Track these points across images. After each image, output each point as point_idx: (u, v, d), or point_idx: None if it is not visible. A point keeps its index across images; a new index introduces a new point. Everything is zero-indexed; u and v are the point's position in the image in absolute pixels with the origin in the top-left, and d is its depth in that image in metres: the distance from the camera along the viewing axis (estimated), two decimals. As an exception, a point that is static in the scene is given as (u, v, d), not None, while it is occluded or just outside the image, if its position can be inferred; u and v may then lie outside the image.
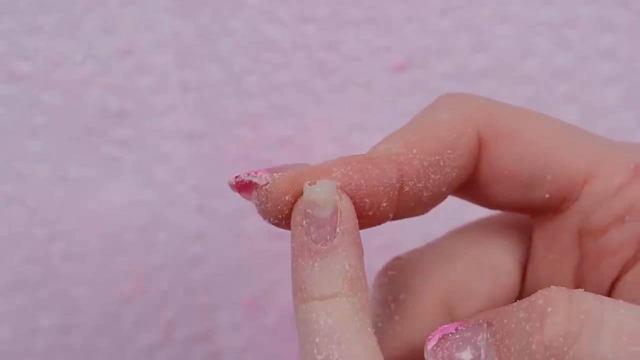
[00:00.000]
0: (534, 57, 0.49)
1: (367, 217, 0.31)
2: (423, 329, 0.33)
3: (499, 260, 0.34)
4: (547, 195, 0.33)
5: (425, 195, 0.32)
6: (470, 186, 0.33)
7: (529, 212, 0.34)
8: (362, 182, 0.30)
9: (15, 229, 0.49)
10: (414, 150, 0.31)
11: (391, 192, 0.31)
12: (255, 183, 0.31)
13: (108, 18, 0.47)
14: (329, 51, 0.49)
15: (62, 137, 0.48)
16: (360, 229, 0.31)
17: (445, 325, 0.30)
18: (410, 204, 0.32)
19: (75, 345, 0.50)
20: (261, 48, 0.48)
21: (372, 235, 0.49)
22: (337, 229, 0.29)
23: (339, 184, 0.30)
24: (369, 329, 0.29)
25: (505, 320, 0.29)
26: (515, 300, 0.34)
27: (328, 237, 0.29)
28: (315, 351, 0.29)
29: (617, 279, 0.33)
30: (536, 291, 0.30)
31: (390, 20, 0.48)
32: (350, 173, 0.30)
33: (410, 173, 0.31)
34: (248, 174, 0.31)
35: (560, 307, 0.28)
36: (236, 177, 0.32)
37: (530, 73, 0.50)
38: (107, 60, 0.48)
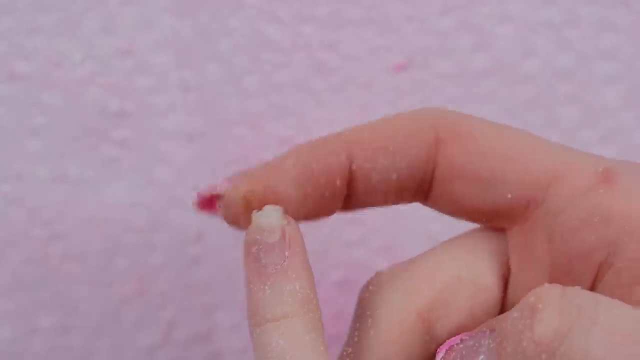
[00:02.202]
0: (534, 57, 0.49)
1: (325, 200, 0.32)
2: (397, 345, 0.33)
3: (480, 275, 0.34)
4: (509, 196, 0.32)
5: (374, 177, 0.33)
6: (431, 186, 0.33)
7: (495, 216, 0.33)
8: (313, 162, 0.32)
9: (15, 230, 0.49)
10: (365, 134, 0.33)
11: (342, 170, 0.32)
12: (216, 195, 0.32)
13: (108, 18, 0.47)
14: (329, 51, 0.49)
15: (62, 137, 0.48)
16: (322, 216, 0.32)
17: (452, 338, 0.30)
18: (361, 185, 0.33)
19: (75, 345, 0.50)
20: (261, 48, 0.48)
21: (372, 236, 0.49)
22: (286, 252, 0.30)
23: (285, 210, 0.31)
24: (322, 348, 0.30)
25: (504, 323, 0.29)
26: (498, 315, 0.34)
27: (277, 260, 0.30)
28: None
29: (592, 286, 0.32)
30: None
31: (390, 20, 0.48)
32: (301, 157, 0.32)
33: (358, 152, 0.32)
34: (208, 188, 0.33)
35: (551, 303, 0.28)
36: (197, 195, 0.33)
37: (531, 73, 0.49)
38: (107, 60, 0.48)
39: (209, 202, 0.33)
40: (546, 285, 0.28)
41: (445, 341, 0.33)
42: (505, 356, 0.28)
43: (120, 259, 0.50)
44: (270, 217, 0.31)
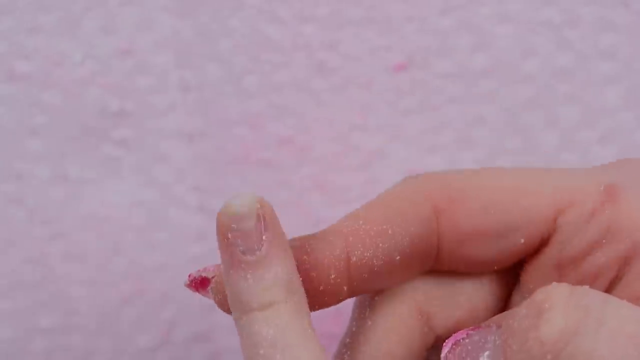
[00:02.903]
0: (534, 57, 0.49)
1: (320, 293, 0.31)
2: (394, 336, 0.33)
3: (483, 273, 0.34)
4: (522, 240, 0.32)
5: (376, 264, 0.32)
6: (439, 254, 0.33)
7: (511, 260, 0.33)
8: (305, 257, 0.31)
9: (14, 229, 0.49)
10: (360, 222, 0.32)
11: (337, 263, 0.31)
12: (206, 278, 0.32)
13: (108, 18, 0.47)
14: (329, 51, 0.49)
15: (62, 137, 0.48)
16: (317, 308, 0.31)
17: (458, 332, 0.30)
18: (363, 274, 0.32)
19: (75, 345, 0.50)
20: (261, 48, 0.48)
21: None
22: (263, 237, 0.30)
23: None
24: (310, 331, 0.30)
25: (510, 320, 0.29)
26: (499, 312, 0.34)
27: (255, 246, 0.30)
28: None
29: None
30: None
31: (391, 20, 0.48)
32: (290, 253, 0.30)
33: (355, 243, 0.31)
34: (198, 270, 0.32)
35: (558, 303, 0.27)
36: (189, 276, 0.32)
37: (531, 73, 0.49)
38: (107, 60, 0.48)
39: (200, 283, 0.32)
40: (554, 284, 0.28)
41: (445, 334, 0.33)
42: (511, 354, 0.28)
43: (120, 258, 0.50)
44: (243, 203, 0.30)
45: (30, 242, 0.49)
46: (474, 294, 0.34)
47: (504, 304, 0.34)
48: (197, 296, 0.50)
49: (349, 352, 0.33)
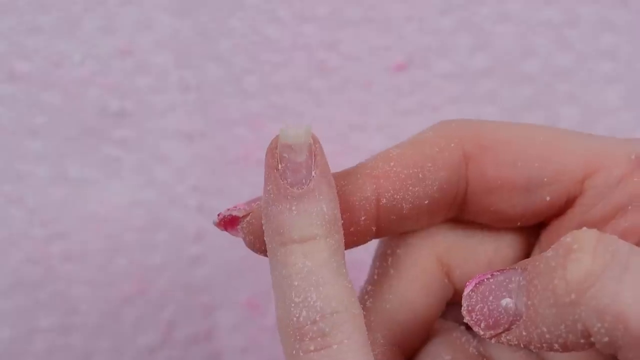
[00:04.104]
0: (534, 57, 0.49)
1: (350, 234, 0.31)
2: (416, 284, 0.33)
3: (504, 231, 0.34)
4: (548, 198, 0.32)
5: (405, 207, 0.32)
6: (465, 202, 0.33)
7: (533, 219, 0.33)
8: (338, 199, 0.31)
9: (15, 229, 0.49)
10: (392, 164, 0.32)
11: (368, 205, 0.31)
12: (238, 217, 0.32)
13: (108, 18, 0.47)
14: (329, 51, 0.49)
15: (62, 137, 0.48)
16: (346, 248, 0.31)
17: (482, 273, 0.30)
18: (392, 216, 0.32)
19: (75, 345, 0.50)
20: (261, 48, 0.48)
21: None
22: (313, 173, 0.30)
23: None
24: (344, 270, 0.30)
25: (537, 262, 0.29)
26: None
27: (304, 180, 0.30)
28: (293, 294, 0.29)
29: None
30: None
31: (390, 20, 0.48)
32: (336, 194, 0.30)
33: (386, 185, 0.31)
34: (228, 210, 0.32)
35: (586, 245, 0.28)
36: (218, 215, 0.32)
37: (530, 73, 0.49)
38: (107, 60, 0.48)
39: (230, 222, 0.32)
40: (584, 228, 0.28)
41: (463, 289, 0.33)
42: (535, 293, 0.28)
43: (120, 258, 0.50)
44: (298, 135, 0.30)
45: (30, 242, 0.49)
46: (494, 250, 0.34)
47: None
48: (197, 296, 0.51)
49: (370, 300, 0.33)
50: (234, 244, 0.50)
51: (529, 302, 0.28)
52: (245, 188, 0.50)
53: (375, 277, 0.34)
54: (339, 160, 0.49)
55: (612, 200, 0.32)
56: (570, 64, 0.50)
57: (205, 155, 0.49)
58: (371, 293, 0.34)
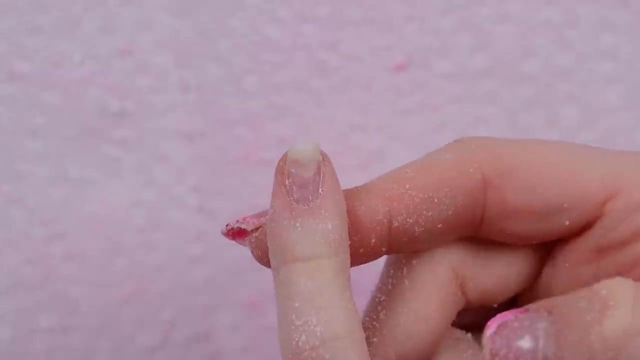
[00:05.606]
0: (534, 57, 0.49)
1: (359, 255, 0.31)
2: (432, 299, 0.33)
3: (519, 246, 0.34)
4: (567, 223, 0.32)
5: (417, 231, 0.31)
6: (484, 224, 0.32)
7: (551, 238, 0.33)
8: (348, 221, 0.30)
9: (14, 230, 0.49)
10: (407, 186, 0.31)
11: (379, 228, 0.31)
12: (245, 230, 0.31)
13: (107, 18, 0.47)
14: (329, 51, 0.49)
15: (62, 137, 0.48)
16: (352, 265, 0.30)
17: (504, 312, 0.29)
18: (403, 239, 0.31)
19: (75, 346, 0.50)
20: (261, 48, 0.48)
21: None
22: (320, 190, 0.29)
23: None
24: (348, 293, 0.29)
25: (566, 309, 0.28)
26: (530, 289, 0.33)
27: (310, 197, 0.29)
28: (294, 316, 0.28)
29: None
30: (550, 289, 0.30)
31: (391, 20, 0.48)
32: (344, 213, 0.30)
33: (399, 208, 0.31)
34: (237, 221, 0.31)
35: (624, 301, 0.27)
36: (227, 226, 0.32)
37: (530, 73, 0.49)
38: (107, 60, 0.48)
39: (238, 234, 0.31)
40: (618, 279, 0.28)
41: (475, 300, 0.32)
42: (566, 344, 0.28)
43: (120, 259, 0.50)
44: (306, 151, 0.29)
45: (30, 242, 0.49)
46: (507, 263, 0.33)
47: (535, 275, 0.34)
48: (197, 296, 0.50)
49: (384, 311, 0.33)
50: (234, 244, 0.50)
51: (559, 354, 0.28)
52: (245, 188, 0.49)
53: (389, 286, 0.33)
54: (339, 160, 0.49)
55: (631, 225, 0.31)
56: (570, 64, 0.50)
57: (205, 155, 0.49)
58: (384, 304, 0.33)
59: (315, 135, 0.49)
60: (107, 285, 0.50)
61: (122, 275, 0.50)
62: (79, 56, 0.48)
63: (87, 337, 0.50)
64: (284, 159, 0.30)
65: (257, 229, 0.31)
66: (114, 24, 0.47)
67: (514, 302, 0.35)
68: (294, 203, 0.29)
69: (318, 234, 0.29)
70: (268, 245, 0.30)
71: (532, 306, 0.29)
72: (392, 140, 0.50)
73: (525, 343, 0.28)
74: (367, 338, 0.30)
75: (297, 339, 0.28)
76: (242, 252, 0.50)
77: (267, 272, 0.51)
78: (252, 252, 0.31)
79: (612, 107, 0.50)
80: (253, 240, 0.31)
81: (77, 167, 0.49)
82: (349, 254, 0.30)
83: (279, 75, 0.49)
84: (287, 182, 0.29)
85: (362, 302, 0.33)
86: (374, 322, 0.33)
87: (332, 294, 0.28)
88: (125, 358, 0.50)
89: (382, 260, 0.34)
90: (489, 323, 0.29)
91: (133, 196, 0.49)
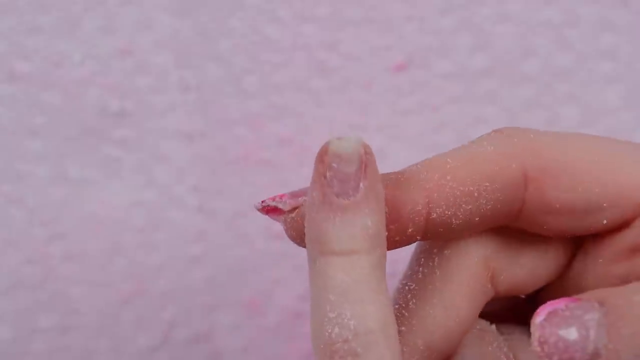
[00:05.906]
0: (534, 57, 0.49)
1: (393, 242, 0.30)
2: (463, 291, 0.32)
3: (550, 239, 0.33)
4: (605, 222, 0.32)
5: (455, 222, 0.31)
6: (520, 218, 0.32)
7: (587, 234, 0.33)
8: (387, 209, 0.30)
9: (14, 230, 0.49)
10: (448, 177, 0.31)
11: (417, 218, 0.30)
12: (280, 209, 0.31)
13: (107, 18, 0.47)
14: (329, 51, 0.49)
15: (62, 137, 0.48)
16: (388, 250, 0.30)
17: (554, 300, 0.28)
18: (439, 229, 0.31)
19: (75, 346, 0.50)
20: (261, 48, 0.48)
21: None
22: (361, 184, 0.29)
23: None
24: (384, 287, 0.29)
25: (620, 302, 0.28)
26: (558, 281, 0.33)
27: (351, 192, 0.29)
28: (328, 308, 0.28)
29: None
30: (579, 283, 0.30)
31: (391, 20, 0.48)
32: (383, 207, 0.29)
33: (439, 201, 0.30)
34: (273, 199, 0.31)
35: None
36: (262, 202, 0.31)
37: (530, 73, 0.49)
38: (107, 60, 0.48)
39: (273, 210, 0.31)
40: None
41: (503, 292, 0.32)
42: (618, 337, 0.27)
43: (120, 259, 0.50)
44: (349, 147, 0.29)
45: (30, 242, 0.49)
46: (539, 255, 0.33)
47: (564, 268, 0.34)
48: (197, 296, 0.50)
49: (414, 300, 0.32)
50: (234, 244, 0.50)
51: (611, 346, 0.27)
52: (245, 188, 0.49)
53: (420, 275, 0.33)
54: (339, 160, 0.49)
55: None
56: (570, 64, 0.50)
57: (205, 155, 0.49)
58: (415, 293, 0.33)
59: (315, 135, 0.49)
60: (107, 285, 0.50)
61: (122, 275, 0.50)
62: (79, 56, 0.48)
63: (87, 337, 0.50)
64: (325, 149, 0.29)
65: (293, 209, 0.31)
66: (114, 24, 0.47)
67: (538, 293, 0.34)
68: (334, 196, 0.29)
69: (357, 229, 0.29)
70: (305, 232, 0.30)
71: (583, 296, 0.29)
72: (392, 140, 0.50)
73: (574, 332, 0.28)
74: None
75: (329, 331, 0.28)
76: (242, 252, 0.50)
77: (268, 272, 0.51)
78: (286, 231, 0.31)
79: (612, 107, 0.50)
80: (289, 220, 0.31)
81: (77, 167, 0.49)
82: (386, 247, 0.29)
83: (279, 75, 0.49)
84: (327, 175, 0.29)
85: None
86: (403, 311, 0.32)
87: (367, 288, 0.28)
88: (125, 358, 0.50)
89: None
90: (538, 310, 0.28)
91: (133, 196, 0.49)
